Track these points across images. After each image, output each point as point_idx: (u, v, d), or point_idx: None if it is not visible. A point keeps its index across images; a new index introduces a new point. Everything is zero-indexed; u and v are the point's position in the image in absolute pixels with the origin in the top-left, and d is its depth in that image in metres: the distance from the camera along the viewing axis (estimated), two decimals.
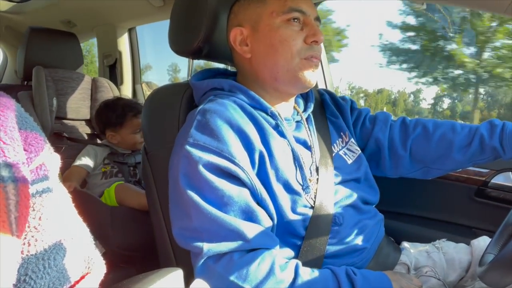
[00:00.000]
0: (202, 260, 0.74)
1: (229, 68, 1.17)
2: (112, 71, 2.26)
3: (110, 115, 1.68)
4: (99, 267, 0.50)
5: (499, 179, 1.17)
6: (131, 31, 2.24)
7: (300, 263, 0.77)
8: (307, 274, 0.75)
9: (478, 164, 1.01)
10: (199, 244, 0.74)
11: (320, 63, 0.92)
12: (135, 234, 1.36)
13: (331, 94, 1.11)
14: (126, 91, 2.29)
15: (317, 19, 0.91)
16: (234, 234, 0.73)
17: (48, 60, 1.81)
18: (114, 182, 1.55)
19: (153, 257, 1.11)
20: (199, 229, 0.75)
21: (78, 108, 1.87)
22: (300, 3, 0.88)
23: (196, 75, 1.02)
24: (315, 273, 0.76)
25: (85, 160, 1.60)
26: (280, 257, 0.77)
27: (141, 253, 1.29)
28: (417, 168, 1.06)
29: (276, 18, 0.87)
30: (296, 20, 0.87)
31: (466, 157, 0.99)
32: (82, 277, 0.47)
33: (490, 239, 0.95)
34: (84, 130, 1.90)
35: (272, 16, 0.88)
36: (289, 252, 0.83)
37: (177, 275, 0.59)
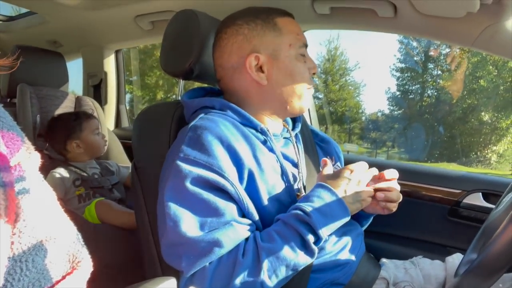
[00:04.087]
0: (184, 277, 0.76)
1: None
2: (97, 91, 2.25)
3: (67, 122, 1.64)
4: (85, 265, 0.49)
5: (470, 199, 1.24)
6: (117, 52, 2.26)
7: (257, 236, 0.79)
8: (267, 249, 0.75)
9: None
10: (179, 260, 0.76)
11: None
12: (119, 251, 1.34)
13: (322, 133, 1.20)
14: (110, 111, 2.29)
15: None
16: (210, 246, 0.74)
17: (33, 78, 1.80)
18: (94, 200, 1.49)
19: (138, 275, 1.10)
20: (178, 243, 0.76)
21: None
22: (304, 39, 0.98)
23: (187, 93, 1.05)
24: (273, 239, 0.76)
25: (53, 188, 1.48)
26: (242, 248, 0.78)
27: (125, 271, 1.27)
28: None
29: (293, 50, 0.94)
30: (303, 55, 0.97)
31: None
32: (64, 277, 0.46)
33: (463, 256, 1.01)
34: None
35: (290, 48, 0.94)
36: None
37: (170, 284, 0.61)
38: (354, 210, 0.83)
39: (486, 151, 12.32)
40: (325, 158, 0.91)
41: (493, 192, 1.23)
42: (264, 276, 0.73)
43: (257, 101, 0.96)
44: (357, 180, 0.83)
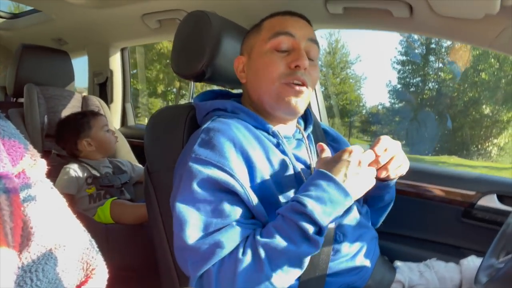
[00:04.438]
0: (193, 282, 0.76)
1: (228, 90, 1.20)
2: (102, 89, 2.24)
3: (75, 121, 1.65)
4: (99, 273, 0.48)
5: (484, 201, 1.23)
6: (123, 50, 2.25)
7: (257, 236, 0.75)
8: (266, 245, 0.73)
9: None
10: (185, 265, 0.76)
11: (310, 90, 0.93)
12: (132, 253, 1.34)
13: (333, 130, 1.17)
14: (116, 110, 2.28)
15: (312, 40, 0.93)
16: (211, 248, 0.73)
17: (40, 78, 1.79)
18: (107, 200, 1.49)
19: (151, 277, 1.10)
20: (183, 248, 0.76)
21: None
22: (288, 26, 0.91)
23: (199, 96, 1.06)
24: (271, 234, 0.74)
25: (67, 184, 1.51)
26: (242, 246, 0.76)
27: (139, 273, 1.28)
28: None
29: (265, 45, 0.92)
30: (282, 50, 0.90)
31: None
32: (78, 287, 0.46)
33: (478, 258, 1.00)
34: None
35: (262, 44, 0.92)
36: None
37: None
38: (359, 192, 0.78)
39: (487, 144, 12.34)
40: (321, 143, 0.87)
41: (508, 194, 1.22)
42: (267, 270, 0.72)
43: (249, 102, 0.98)
44: (357, 161, 0.78)
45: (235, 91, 1.16)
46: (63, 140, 1.66)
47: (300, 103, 0.91)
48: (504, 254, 0.79)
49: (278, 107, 0.92)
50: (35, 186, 0.43)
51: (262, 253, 0.72)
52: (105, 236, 1.30)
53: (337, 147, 1.10)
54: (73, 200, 1.53)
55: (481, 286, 0.72)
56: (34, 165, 0.44)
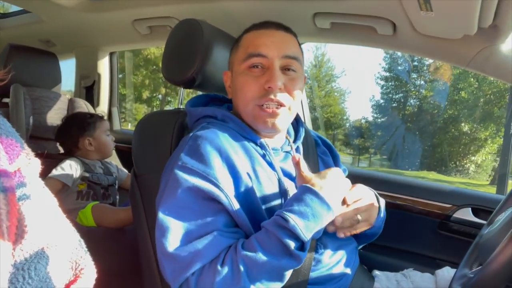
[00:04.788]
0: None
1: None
2: (89, 92, 2.23)
3: (83, 119, 1.71)
4: (88, 272, 0.49)
5: (460, 214, 1.28)
6: (112, 54, 2.24)
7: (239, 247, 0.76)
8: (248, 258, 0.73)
9: None
10: (165, 272, 0.77)
11: (290, 107, 0.92)
12: (114, 256, 1.32)
13: (324, 139, 1.18)
14: (102, 113, 2.27)
15: (288, 57, 0.91)
16: (190, 256, 0.74)
17: (27, 78, 1.78)
18: (88, 204, 1.51)
19: (134, 281, 1.10)
20: (163, 255, 0.76)
21: (54, 127, 1.82)
22: (261, 46, 0.91)
23: (192, 100, 1.06)
24: (253, 246, 0.75)
25: (64, 172, 1.54)
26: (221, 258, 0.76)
27: (121, 277, 1.26)
28: None
29: (240, 65, 0.93)
30: (257, 66, 0.91)
31: None
32: (67, 286, 0.46)
33: (452, 269, 1.04)
34: (58, 150, 1.86)
35: (239, 63, 0.94)
36: None
37: None
38: (338, 206, 0.82)
39: (465, 161, 12.61)
40: (295, 155, 0.86)
41: (482, 207, 1.27)
42: (244, 283, 0.72)
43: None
44: (337, 177, 0.83)
45: None
46: (66, 134, 1.71)
47: (278, 123, 0.92)
48: (476, 265, 0.82)
49: (256, 126, 0.94)
50: (30, 185, 0.44)
51: (241, 265, 0.72)
52: (86, 239, 1.29)
53: (327, 160, 1.11)
54: (62, 194, 1.55)
55: None
56: (29, 164, 0.45)
